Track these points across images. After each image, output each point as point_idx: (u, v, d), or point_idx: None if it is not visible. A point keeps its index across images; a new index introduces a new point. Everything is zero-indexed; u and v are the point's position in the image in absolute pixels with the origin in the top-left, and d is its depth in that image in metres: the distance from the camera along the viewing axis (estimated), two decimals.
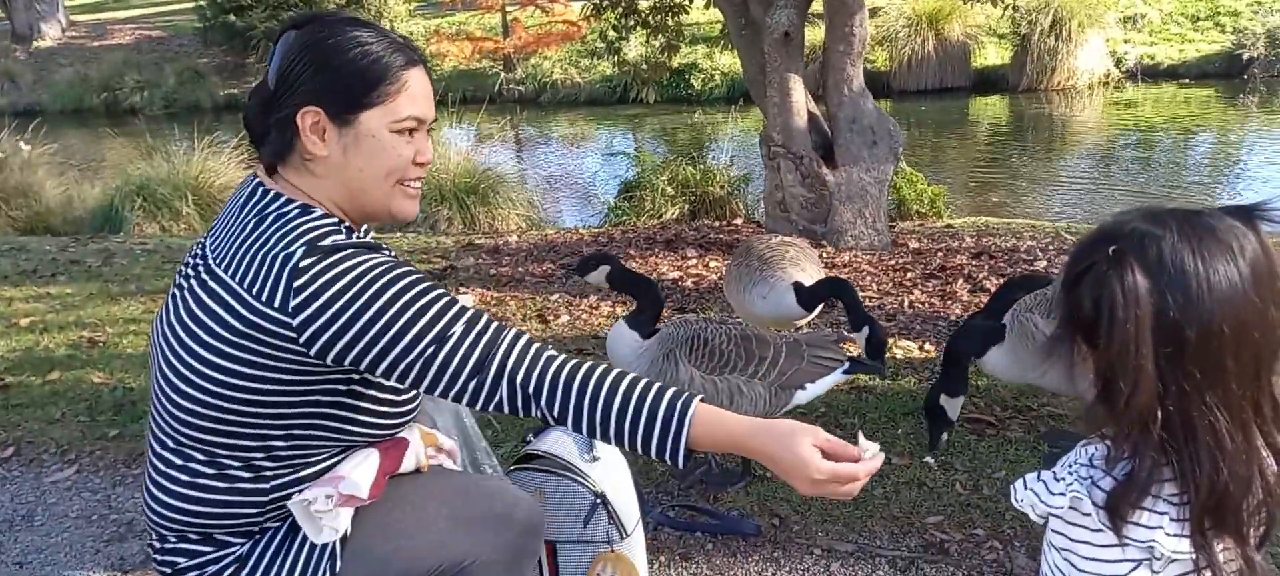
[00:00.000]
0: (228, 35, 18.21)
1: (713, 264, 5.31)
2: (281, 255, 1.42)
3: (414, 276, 1.47)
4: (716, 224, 6.74)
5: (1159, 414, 1.07)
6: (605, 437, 1.46)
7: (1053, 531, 1.17)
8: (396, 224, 1.66)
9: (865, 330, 2.84)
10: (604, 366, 1.50)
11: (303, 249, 1.43)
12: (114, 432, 3.43)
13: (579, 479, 2.11)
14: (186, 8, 23.66)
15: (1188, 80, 14.05)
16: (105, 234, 7.50)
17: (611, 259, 2.83)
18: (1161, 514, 1.10)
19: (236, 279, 1.44)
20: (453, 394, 1.47)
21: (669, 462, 1.46)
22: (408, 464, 1.65)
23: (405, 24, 20.25)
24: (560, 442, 2.18)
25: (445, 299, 1.47)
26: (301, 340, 1.42)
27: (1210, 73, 14.03)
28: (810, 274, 3.23)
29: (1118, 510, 1.10)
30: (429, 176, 7.70)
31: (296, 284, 1.40)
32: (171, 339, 1.49)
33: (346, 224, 1.54)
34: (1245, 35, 13.93)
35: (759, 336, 2.70)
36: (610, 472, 2.16)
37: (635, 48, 11.38)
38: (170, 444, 1.53)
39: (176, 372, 1.48)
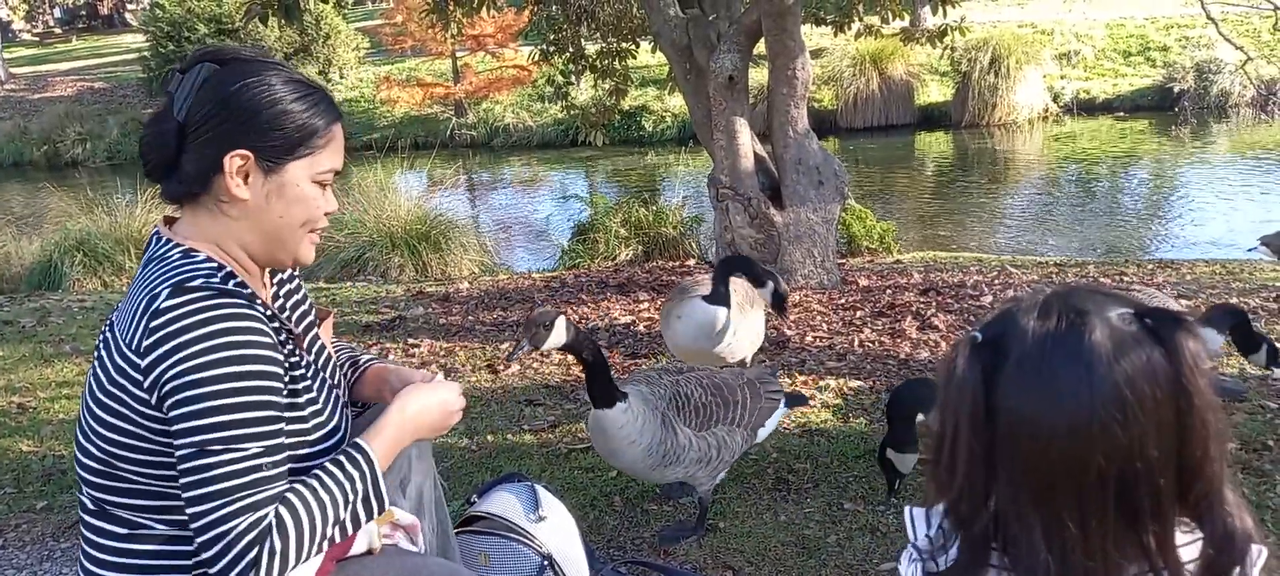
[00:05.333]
0: None
1: None
2: (146, 297, 1.39)
3: (260, 369, 1.38)
4: (670, 265, 6.74)
5: (983, 510, 0.99)
6: (327, 543, 1.42)
7: None
8: (298, 268, 1.64)
9: (769, 285, 3.32)
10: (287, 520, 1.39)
11: (168, 290, 1.38)
12: (42, 504, 3.29)
13: (525, 540, 2.07)
14: (130, 59, 23.32)
15: (1122, 113, 14.55)
16: (43, 291, 7.28)
17: (558, 317, 2.31)
18: None
19: (116, 331, 1.44)
20: (184, 495, 1.36)
21: (377, 508, 1.48)
22: (359, 545, 1.58)
23: (355, 71, 20.17)
24: (504, 503, 2.13)
25: (266, 424, 1.37)
26: (145, 384, 1.37)
27: (1143, 105, 14.55)
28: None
29: None
30: (379, 223, 7.65)
31: (153, 325, 1.36)
32: (86, 400, 1.50)
33: (228, 270, 1.47)
34: (1175, 69, 14.47)
35: (724, 381, 2.70)
36: (557, 532, 2.12)
37: (584, 92, 11.45)
38: (91, 507, 1.51)
39: (82, 433, 1.48)
